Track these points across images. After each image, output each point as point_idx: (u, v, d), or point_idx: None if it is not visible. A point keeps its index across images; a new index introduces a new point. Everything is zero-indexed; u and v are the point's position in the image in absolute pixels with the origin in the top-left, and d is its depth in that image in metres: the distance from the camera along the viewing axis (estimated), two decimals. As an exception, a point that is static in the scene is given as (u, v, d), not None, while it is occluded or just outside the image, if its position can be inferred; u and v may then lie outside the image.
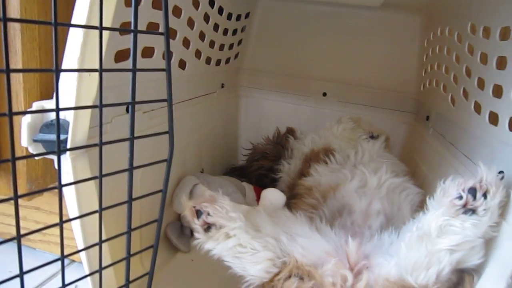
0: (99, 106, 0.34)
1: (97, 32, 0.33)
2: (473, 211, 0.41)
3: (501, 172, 0.47)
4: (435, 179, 0.69)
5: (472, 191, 0.42)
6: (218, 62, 0.90)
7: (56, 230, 0.34)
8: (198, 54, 0.77)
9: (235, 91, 1.09)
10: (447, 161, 0.67)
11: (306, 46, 1.06)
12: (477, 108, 0.59)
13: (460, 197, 0.42)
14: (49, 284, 0.62)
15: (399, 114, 1.02)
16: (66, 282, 0.39)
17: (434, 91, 0.84)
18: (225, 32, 0.88)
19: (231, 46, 0.95)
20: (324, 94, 1.06)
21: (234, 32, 0.94)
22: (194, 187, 0.71)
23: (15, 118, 0.39)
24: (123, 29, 0.40)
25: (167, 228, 0.71)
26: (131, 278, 0.45)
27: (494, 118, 0.52)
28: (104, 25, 0.34)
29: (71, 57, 0.37)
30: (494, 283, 0.33)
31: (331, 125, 0.90)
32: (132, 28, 0.35)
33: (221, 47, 0.88)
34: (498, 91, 0.51)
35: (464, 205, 0.42)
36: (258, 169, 0.91)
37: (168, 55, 0.38)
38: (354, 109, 1.04)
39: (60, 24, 0.30)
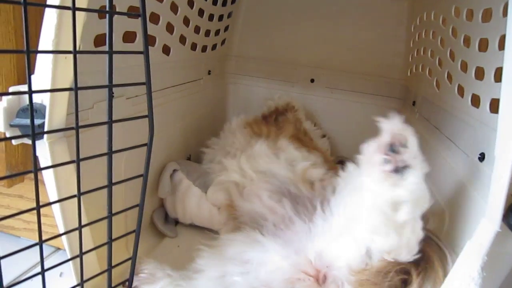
0: (75, 89, 0.34)
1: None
2: (405, 166, 0.40)
3: (482, 154, 0.48)
4: (420, 163, 0.70)
5: (392, 147, 0.40)
6: (204, 49, 0.89)
7: (42, 218, 0.34)
8: (182, 39, 0.76)
9: (223, 78, 1.08)
10: (432, 145, 0.68)
11: (294, 32, 1.05)
12: (460, 91, 0.59)
13: (387, 161, 0.40)
14: (34, 271, 0.62)
15: (387, 100, 1.02)
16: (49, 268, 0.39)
17: (421, 76, 0.84)
18: (211, 17, 0.87)
19: (217, 32, 0.94)
20: (312, 81, 1.06)
21: (220, 18, 0.93)
22: (173, 173, 0.72)
23: (-10, 103, 0.38)
24: (97, 10, 0.39)
25: (153, 214, 0.71)
26: (115, 263, 0.45)
27: (476, 101, 0.53)
28: (79, 5, 0.34)
29: (46, 40, 0.37)
30: (470, 261, 0.34)
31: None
32: (107, 9, 0.34)
33: (207, 33, 0.88)
34: (480, 74, 0.52)
35: (395, 168, 0.40)
36: None
37: (145, 37, 0.37)
38: (342, 95, 1.04)
39: (30, 4, 0.29)
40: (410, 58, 0.94)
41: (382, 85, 1.02)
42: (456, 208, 0.51)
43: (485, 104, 0.49)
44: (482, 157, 0.48)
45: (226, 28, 1.00)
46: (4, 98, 0.38)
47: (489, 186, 0.39)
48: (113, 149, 0.39)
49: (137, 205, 0.42)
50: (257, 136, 0.77)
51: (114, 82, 0.38)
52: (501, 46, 0.45)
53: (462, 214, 0.49)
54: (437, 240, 0.48)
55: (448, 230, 0.51)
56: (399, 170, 0.40)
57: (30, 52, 0.29)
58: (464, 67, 0.57)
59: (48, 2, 0.35)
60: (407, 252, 0.41)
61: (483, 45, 0.51)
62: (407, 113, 0.92)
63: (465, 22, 0.57)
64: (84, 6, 0.36)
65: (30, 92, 0.31)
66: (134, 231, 0.44)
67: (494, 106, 0.47)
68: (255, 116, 0.91)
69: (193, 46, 0.82)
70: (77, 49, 0.35)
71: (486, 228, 0.33)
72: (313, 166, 0.66)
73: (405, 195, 0.39)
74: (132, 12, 0.38)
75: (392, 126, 0.41)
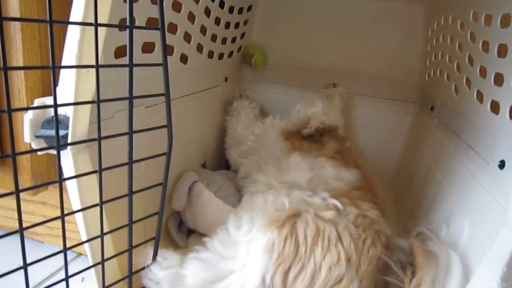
0: (97, 101, 0.35)
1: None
2: None
3: (502, 161, 0.47)
4: (439, 171, 0.69)
5: None
6: (221, 56, 0.90)
7: (65, 224, 0.35)
8: (200, 48, 0.77)
9: (239, 85, 1.09)
10: (450, 152, 0.67)
11: (310, 38, 1.06)
12: (479, 97, 0.58)
13: None
14: (57, 277, 0.64)
15: (404, 105, 1.01)
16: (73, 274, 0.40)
17: (439, 81, 0.83)
18: (227, 25, 0.88)
19: (233, 40, 0.95)
20: (329, 86, 1.06)
21: (237, 25, 0.94)
22: (193, 184, 0.71)
23: (18, 115, 0.40)
24: (118, 25, 0.40)
25: (168, 219, 0.72)
26: (135, 269, 0.46)
27: (495, 107, 0.52)
28: (100, 21, 0.35)
29: (69, 54, 0.38)
30: (489, 272, 0.33)
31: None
32: (128, 23, 0.35)
33: (224, 40, 0.89)
34: (499, 80, 0.51)
35: None
36: None
37: (164, 49, 0.38)
38: (359, 100, 1.04)
39: (55, 22, 0.30)
40: (428, 63, 0.93)
41: (400, 89, 1.01)
42: (476, 217, 0.50)
43: (505, 111, 0.48)
44: (502, 165, 0.47)
45: (242, 35, 1.01)
46: (30, 110, 0.40)
47: (509, 195, 0.38)
48: (133, 158, 0.40)
49: (156, 213, 0.43)
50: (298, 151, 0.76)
51: (134, 92, 0.39)
52: (521, 52, 0.45)
53: (482, 223, 0.48)
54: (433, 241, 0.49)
55: (467, 239, 0.50)
56: None
57: (55, 67, 0.31)
58: (483, 72, 0.56)
59: (71, 19, 0.37)
60: None
61: (503, 51, 0.50)
62: (425, 118, 0.91)
63: (483, 27, 0.57)
64: (105, 22, 0.38)
65: (56, 105, 0.32)
66: (153, 238, 0.44)
67: (514, 113, 0.46)
68: (290, 124, 0.87)
69: (210, 54, 0.83)
70: (99, 61, 0.36)
71: (506, 239, 0.32)
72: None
73: None
74: (151, 26, 0.39)
75: None
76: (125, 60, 0.51)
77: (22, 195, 0.33)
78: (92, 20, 0.34)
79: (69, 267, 0.39)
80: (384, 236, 0.53)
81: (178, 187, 0.70)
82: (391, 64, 1.01)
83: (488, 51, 0.55)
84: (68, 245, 0.38)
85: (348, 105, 1.03)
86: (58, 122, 0.33)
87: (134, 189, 0.42)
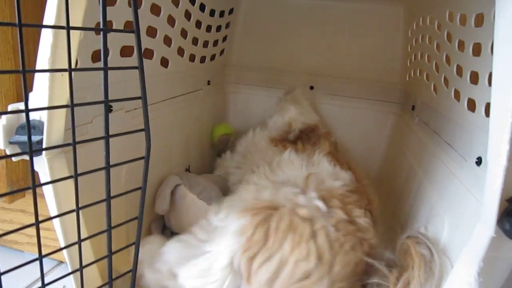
0: (71, 105, 0.34)
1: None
2: None
3: (479, 158, 0.48)
4: (420, 169, 0.70)
5: None
6: (202, 59, 0.90)
7: (44, 232, 0.34)
8: (180, 51, 0.77)
9: (222, 88, 1.09)
10: (431, 150, 0.68)
11: (292, 40, 1.06)
12: (457, 95, 0.59)
13: None
14: (37, 285, 0.62)
15: (386, 105, 1.02)
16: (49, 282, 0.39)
17: (419, 81, 0.84)
18: (209, 28, 0.88)
19: (215, 43, 0.95)
20: (312, 88, 1.07)
21: (218, 28, 0.94)
22: (176, 187, 0.70)
23: (-10, 121, 0.39)
24: (91, 28, 0.40)
25: (151, 224, 0.71)
26: (116, 275, 0.45)
27: (472, 105, 0.53)
28: (74, 24, 0.34)
29: (43, 58, 0.37)
30: (466, 267, 0.34)
31: None
32: (101, 26, 0.35)
33: (205, 44, 0.88)
34: (474, 78, 0.52)
35: None
36: None
37: (139, 52, 0.38)
38: (342, 101, 1.05)
39: (24, 25, 0.30)
40: (408, 63, 0.95)
41: (381, 90, 1.02)
42: (455, 213, 0.51)
43: (480, 108, 0.49)
44: (479, 161, 0.48)
45: (224, 39, 1.01)
46: (3, 116, 0.39)
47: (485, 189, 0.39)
48: (113, 162, 0.40)
49: (135, 218, 0.43)
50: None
51: (113, 96, 0.38)
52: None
53: (461, 219, 0.49)
54: (425, 242, 0.49)
55: (447, 235, 0.51)
56: None
57: (26, 71, 0.30)
58: (460, 71, 0.57)
59: (44, 22, 0.36)
60: None
61: (477, 50, 0.51)
62: (407, 118, 0.92)
63: (458, 26, 0.58)
64: (79, 25, 0.37)
65: (27, 110, 0.31)
66: (133, 243, 0.44)
67: (489, 110, 0.47)
68: (274, 132, 0.89)
69: (192, 58, 0.83)
70: (75, 65, 0.35)
71: (481, 234, 0.33)
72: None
73: None
74: (126, 29, 0.38)
75: None
76: (101, 64, 0.51)
77: (-4, 202, 0.32)
78: (64, 23, 0.33)
79: (50, 275, 0.39)
80: (367, 245, 0.53)
81: (160, 191, 0.70)
82: (372, 65, 1.02)
83: (463, 50, 0.56)
84: (47, 253, 0.37)
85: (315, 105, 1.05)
86: (30, 127, 0.32)
87: (113, 194, 0.41)
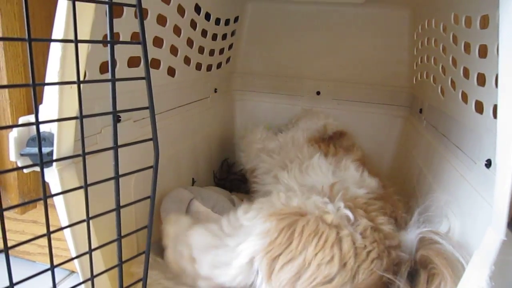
0: (79, 117, 0.35)
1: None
2: None
3: (488, 160, 0.48)
4: (429, 172, 0.70)
5: None
6: (209, 68, 0.91)
7: (56, 242, 0.35)
8: (187, 60, 0.77)
9: (229, 95, 1.10)
10: (440, 153, 0.67)
11: (297, 46, 1.07)
12: (464, 97, 0.59)
13: None
14: (49, 296, 0.63)
15: (394, 109, 1.02)
16: (60, 291, 0.40)
17: (426, 84, 0.84)
18: (214, 37, 0.89)
19: (221, 51, 0.96)
20: (318, 93, 1.07)
21: (224, 36, 0.95)
22: (190, 201, 0.70)
23: (3, 133, 0.40)
24: (98, 40, 0.41)
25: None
26: (127, 284, 0.45)
27: (479, 107, 0.53)
28: (82, 37, 0.35)
29: (52, 71, 0.38)
30: (478, 271, 0.33)
31: None
32: (108, 39, 0.36)
33: (211, 52, 0.89)
34: (481, 80, 0.52)
35: None
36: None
37: (146, 62, 0.38)
38: (349, 105, 1.05)
39: (34, 40, 0.30)
40: (415, 66, 0.94)
41: (388, 94, 1.02)
42: (466, 216, 0.51)
43: (488, 110, 0.49)
44: (488, 164, 0.47)
45: (230, 46, 1.02)
46: (15, 128, 0.40)
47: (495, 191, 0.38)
48: (122, 172, 0.40)
49: (145, 227, 0.43)
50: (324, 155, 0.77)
51: (122, 106, 0.39)
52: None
53: (472, 222, 0.48)
54: (448, 246, 0.47)
55: (458, 238, 0.50)
56: None
57: (36, 85, 0.31)
58: (466, 73, 0.57)
59: (53, 36, 0.37)
60: None
61: (483, 51, 0.51)
62: (415, 121, 0.91)
63: (464, 28, 0.58)
64: (87, 38, 0.38)
65: (37, 123, 0.32)
66: (143, 252, 0.44)
67: (497, 111, 0.47)
68: (316, 134, 0.89)
69: (198, 66, 0.84)
70: (83, 77, 0.36)
71: (492, 237, 0.32)
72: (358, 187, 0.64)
73: None
74: (133, 41, 0.39)
75: None
76: (109, 75, 0.52)
77: (11, 214, 0.33)
78: (72, 37, 0.34)
79: (62, 285, 0.39)
80: (394, 252, 0.52)
81: (169, 205, 0.68)
82: (379, 69, 1.02)
83: (470, 52, 0.55)
84: (58, 263, 0.37)
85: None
86: (41, 139, 0.33)
87: (123, 203, 0.42)
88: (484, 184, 0.48)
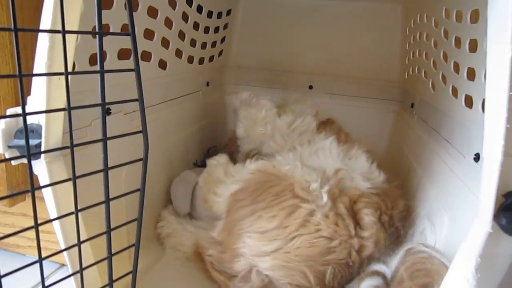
0: (67, 108, 0.35)
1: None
2: None
3: (477, 154, 0.48)
4: (420, 166, 0.70)
5: None
6: (201, 61, 0.90)
7: (45, 235, 0.34)
8: (179, 53, 0.77)
9: (221, 89, 1.09)
10: (430, 147, 0.68)
11: (290, 40, 1.06)
12: (454, 92, 0.59)
13: None
14: (39, 289, 0.63)
15: (386, 103, 1.02)
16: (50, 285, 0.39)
17: (417, 78, 0.84)
18: (207, 30, 0.88)
19: (214, 44, 0.95)
20: (311, 87, 1.07)
21: (216, 29, 0.94)
22: (196, 184, 0.72)
23: (-11, 125, 0.39)
24: (86, 31, 0.40)
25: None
26: (119, 276, 0.45)
27: (469, 101, 0.53)
28: (70, 28, 0.35)
29: (40, 62, 0.38)
30: (464, 263, 0.34)
31: None
32: (97, 30, 0.35)
33: (203, 45, 0.89)
34: (471, 74, 0.52)
35: None
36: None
37: (135, 54, 0.38)
38: (341, 100, 1.05)
39: (20, 30, 0.30)
40: (407, 61, 0.95)
41: (380, 88, 1.02)
42: (454, 209, 0.51)
43: (478, 105, 0.49)
44: (477, 158, 0.48)
45: (222, 40, 1.02)
46: (2, 120, 0.39)
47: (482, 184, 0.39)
48: (112, 164, 0.40)
49: (135, 219, 0.43)
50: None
51: (112, 99, 0.38)
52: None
53: (460, 215, 0.49)
54: (440, 256, 0.47)
55: (447, 231, 0.51)
56: None
57: (22, 76, 0.30)
58: (457, 68, 0.57)
59: (40, 26, 0.36)
60: None
61: (473, 46, 0.51)
62: (406, 116, 0.92)
63: (455, 23, 0.58)
64: (75, 29, 0.37)
65: (24, 114, 0.32)
66: (133, 245, 0.44)
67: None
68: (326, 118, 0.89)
69: (190, 59, 0.83)
70: (73, 68, 0.36)
71: (478, 229, 0.33)
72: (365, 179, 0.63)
73: None
74: (121, 32, 0.39)
75: None
76: (104, 66, 0.51)
77: (0, 207, 0.32)
78: (60, 28, 0.33)
79: (51, 278, 0.39)
80: (359, 241, 0.54)
81: (176, 189, 0.72)
82: (371, 63, 1.02)
83: (460, 47, 0.56)
84: (47, 255, 0.37)
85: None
86: (28, 130, 0.33)
87: (114, 196, 0.42)
88: (473, 178, 0.48)
